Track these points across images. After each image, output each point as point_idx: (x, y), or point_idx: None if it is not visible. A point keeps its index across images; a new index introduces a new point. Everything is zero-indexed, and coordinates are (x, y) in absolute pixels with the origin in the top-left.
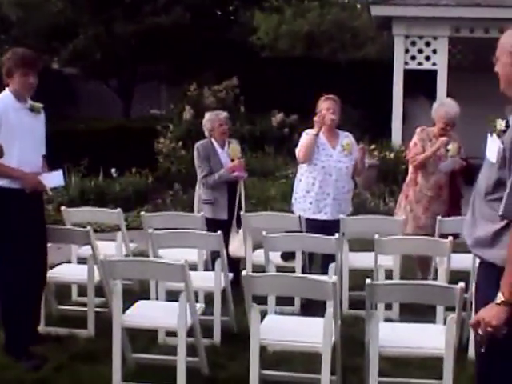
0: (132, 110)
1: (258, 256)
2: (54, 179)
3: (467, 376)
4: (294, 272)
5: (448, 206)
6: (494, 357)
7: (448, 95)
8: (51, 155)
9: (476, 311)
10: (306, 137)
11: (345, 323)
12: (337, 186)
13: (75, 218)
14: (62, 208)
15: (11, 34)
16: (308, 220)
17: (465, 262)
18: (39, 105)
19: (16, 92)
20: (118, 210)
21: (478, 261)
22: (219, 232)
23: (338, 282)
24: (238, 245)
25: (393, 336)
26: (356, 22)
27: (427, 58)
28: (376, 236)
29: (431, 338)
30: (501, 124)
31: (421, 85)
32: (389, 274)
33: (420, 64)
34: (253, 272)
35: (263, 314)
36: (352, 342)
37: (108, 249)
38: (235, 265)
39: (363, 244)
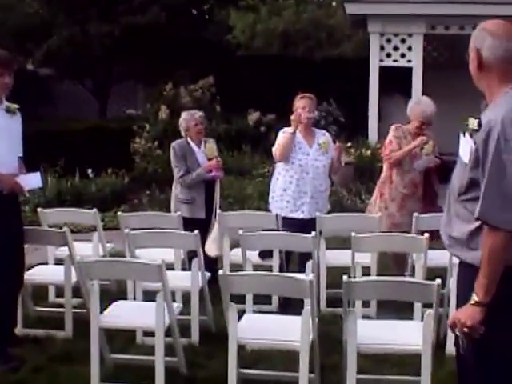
0: (108, 110)
1: (236, 255)
2: (31, 181)
3: (445, 372)
4: (271, 270)
5: (423, 203)
6: (475, 353)
7: (423, 92)
8: (27, 156)
9: None
10: (283, 135)
11: (323, 321)
12: (314, 185)
13: (52, 219)
14: (39, 209)
15: None
16: (285, 219)
17: (441, 258)
18: (15, 106)
19: None
20: (94, 210)
21: (454, 258)
22: (196, 231)
23: (315, 280)
24: (211, 244)
25: (370, 333)
26: (331, 19)
27: (402, 56)
28: (353, 233)
29: (409, 335)
30: (473, 123)
31: (396, 82)
32: (366, 272)
33: (395, 61)
34: (230, 271)
35: (241, 313)
36: (330, 339)
37: (85, 249)
38: (212, 264)
39: (340, 242)
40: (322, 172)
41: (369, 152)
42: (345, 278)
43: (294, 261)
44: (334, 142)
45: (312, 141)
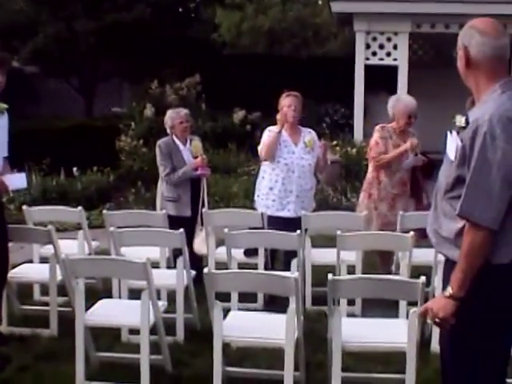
0: (94, 108)
1: (221, 253)
2: (16, 181)
3: (430, 369)
4: (256, 269)
5: (414, 200)
6: (458, 349)
7: (409, 91)
8: (13, 154)
9: None
10: (269, 134)
11: (308, 319)
12: (300, 183)
13: (37, 217)
14: (24, 207)
15: None
16: (271, 217)
17: (427, 256)
18: (4, 105)
19: None
20: (80, 208)
21: (440, 256)
22: (181, 230)
23: (300, 278)
24: (201, 242)
25: (355, 331)
26: (317, 18)
27: (388, 54)
28: (338, 232)
29: (394, 333)
30: (460, 120)
31: (382, 81)
32: (351, 270)
33: (381, 60)
34: (215, 269)
35: (226, 311)
36: (315, 337)
37: (70, 248)
38: (198, 262)
39: (326, 240)
40: (307, 170)
41: (354, 150)
42: (330, 276)
43: (280, 259)
44: (320, 139)
45: (298, 139)
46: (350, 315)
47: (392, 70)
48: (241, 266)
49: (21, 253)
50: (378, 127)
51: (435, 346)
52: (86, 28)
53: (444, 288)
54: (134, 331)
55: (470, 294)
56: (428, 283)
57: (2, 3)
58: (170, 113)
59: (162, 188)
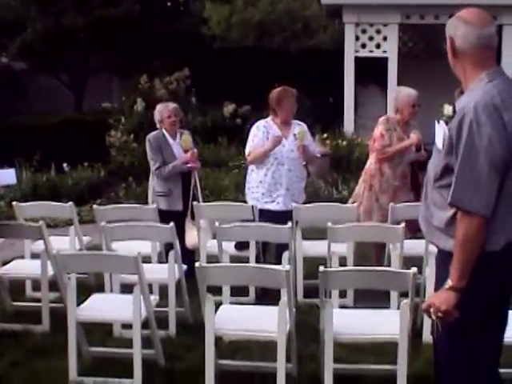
0: (84, 103)
1: (212, 246)
2: (5, 177)
3: (422, 360)
4: (247, 262)
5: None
6: (451, 340)
7: (399, 82)
8: (3, 151)
9: None
10: (260, 151)
11: (300, 311)
12: (289, 176)
13: (28, 213)
14: (14, 203)
15: None
16: (261, 210)
17: (418, 247)
18: None
19: None
20: (70, 203)
21: (431, 246)
22: (172, 224)
23: (291, 271)
24: (196, 236)
25: (347, 322)
26: (307, 10)
27: (378, 46)
28: (329, 224)
29: (385, 324)
30: (448, 109)
31: (372, 72)
32: (343, 262)
33: (371, 51)
34: (207, 263)
35: (218, 305)
36: (308, 329)
37: (61, 243)
38: (189, 256)
39: (317, 232)
40: (297, 163)
41: (345, 143)
42: (321, 267)
43: (271, 252)
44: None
45: (288, 132)
46: (342, 307)
47: (382, 62)
48: (232, 259)
49: (12, 249)
50: (382, 119)
51: (427, 336)
52: (74, 23)
53: (437, 278)
54: (127, 326)
55: (467, 283)
56: (419, 274)
57: None
58: (158, 107)
59: (153, 183)
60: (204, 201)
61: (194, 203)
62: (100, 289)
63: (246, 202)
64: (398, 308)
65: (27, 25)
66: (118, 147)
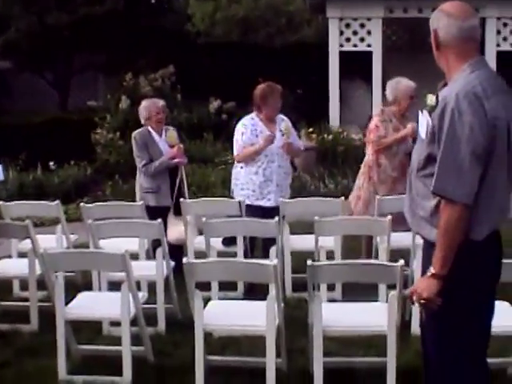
0: (69, 102)
1: (200, 242)
2: None
3: (411, 352)
4: (235, 257)
5: None
6: (438, 329)
7: (384, 76)
8: None
9: None
10: (250, 151)
11: (289, 306)
12: (279, 173)
13: (14, 213)
14: (0, 202)
15: None
16: (251, 206)
17: (405, 240)
18: None
19: None
20: (57, 202)
21: (418, 238)
22: (159, 220)
23: (279, 265)
24: (181, 231)
25: (336, 316)
26: (290, 5)
27: (362, 40)
28: (316, 217)
29: (374, 317)
30: (431, 99)
31: (356, 66)
32: (330, 255)
33: (355, 46)
34: (195, 259)
35: (206, 300)
36: (296, 324)
37: (48, 242)
38: (177, 252)
39: (304, 226)
40: (285, 159)
41: (331, 137)
42: (309, 261)
43: (258, 247)
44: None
45: (274, 128)
46: (330, 300)
47: (366, 56)
48: (220, 254)
49: None
50: (378, 110)
51: (415, 328)
52: (58, 22)
53: (423, 269)
54: (115, 323)
55: (450, 271)
56: (407, 266)
57: None
58: (145, 103)
59: (140, 180)
60: (190, 197)
61: (181, 200)
62: (88, 287)
63: (232, 198)
64: (387, 301)
65: (11, 23)
66: (103, 145)
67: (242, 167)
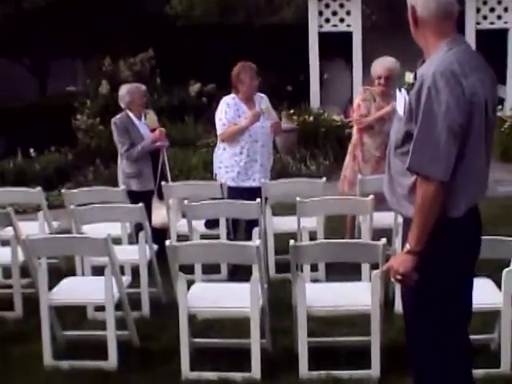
0: (48, 87)
1: (182, 225)
2: None
3: (395, 330)
4: (218, 239)
5: None
6: (418, 305)
7: (364, 56)
8: None
9: None
10: (235, 128)
11: (272, 287)
12: (263, 152)
13: None
14: None
15: None
16: (236, 188)
17: (387, 219)
18: None
19: None
20: (39, 188)
21: (400, 218)
22: (141, 204)
23: (262, 246)
24: (165, 216)
25: (320, 296)
26: None
27: (341, 20)
28: (298, 198)
29: (357, 296)
30: (409, 77)
31: (336, 47)
32: (313, 236)
33: (335, 26)
34: (178, 241)
35: (190, 284)
36: (280, 305)
37: (31, 229)
38: (160, 236)
39: (286, 208)
40: (268, 138)
41: (312, 118)
42: (291, 241)
43: (241, 229)
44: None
45: (254, 107)
46: (314, 281)
47: (347, 36)
48: (202, 237)
49: None
50: (361, 89)
51: (399, 306)
52: (35, 6)
53: (403, 246)
54: (100, 308)
55: (427, 247)
56: (390, 246)
57: None
58: (128, 88)
59: (122, 165)
60: (172, 180)
61: (163, 183)
62: (71, 273)
63: (215, 181)
64: (370, 280)
65: None
66: (84, 130)
67: (224, 149)
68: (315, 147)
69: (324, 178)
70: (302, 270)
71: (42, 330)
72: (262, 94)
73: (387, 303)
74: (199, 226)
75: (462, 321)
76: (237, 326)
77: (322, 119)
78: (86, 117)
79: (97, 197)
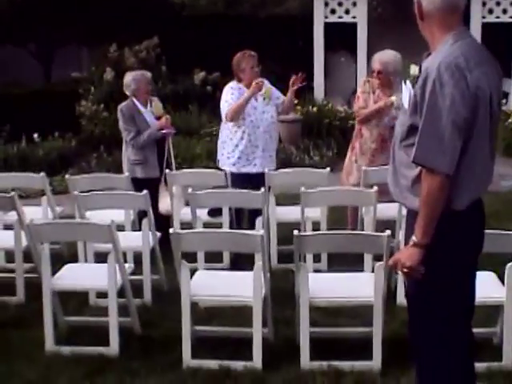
0: (53, 73)
1: (186, 213)
2: None
3: (397, 322)
4: (221, 228)
5: None
6: (423, 298)
7: (369, 48)
8: None
9: None
10: (236, 95)
11: (275, 276)
12: (265, 138)
13: None
14: None
15: None
16: (238, 174)
17: (391, 210)
18: None
19: None
20: (42, 174)
21: (404, 209)
22: (145, 191)
23: (265, 235)
24: (169, 202)
25: (322, 286)
26: None
27: (347, 12)
28: (302, 188)
29: (360, 287)
30: (414, 70)
31: (342, 38)
32: (316, 227)
33: (340, 17)
34: (181, 229)
35: (193, 272)
36: (283, 294)
37: (34, 214)
38: (163, 223)
39: (290, 198)
40: (270, 123)
41: (315, 109)
42: (295, 232)
43: (245, 218)
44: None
45: (257, 94)
46: (317, 271)
47: (352, 28)
48: (206, 225)
49: None
50: (361, 80)
51: (401, 298)
52: None
53: (407, 238)
54: (102, 294)
55: (432, 240)
56: (393, 237)
57: None
58: (134, 75)
59: (127, 152)
60: (177, 168)
61: (167, 171)
62: (74, 259)
63: (218, 169)
64: (373, 271)
65: None
66: (88, 117)
67: (227, 135)
68: (319, 138)
69: (328, 169)
70: (304, 260)
71: (43, 316)
72: (263, 79)
73: (390, 295)
74: (203, 214)
75: (465, 314)
76: (239, 314)
77: (325, 110)
78: (91, 103)
79: (100, 183)
